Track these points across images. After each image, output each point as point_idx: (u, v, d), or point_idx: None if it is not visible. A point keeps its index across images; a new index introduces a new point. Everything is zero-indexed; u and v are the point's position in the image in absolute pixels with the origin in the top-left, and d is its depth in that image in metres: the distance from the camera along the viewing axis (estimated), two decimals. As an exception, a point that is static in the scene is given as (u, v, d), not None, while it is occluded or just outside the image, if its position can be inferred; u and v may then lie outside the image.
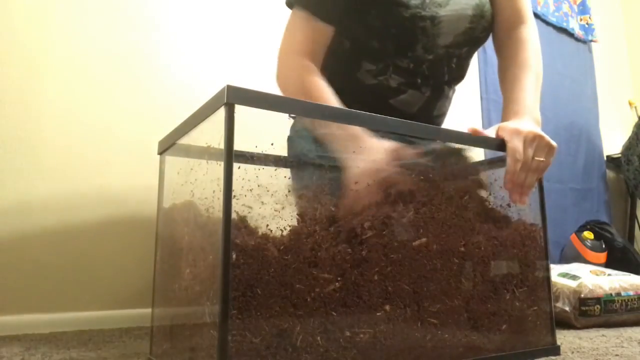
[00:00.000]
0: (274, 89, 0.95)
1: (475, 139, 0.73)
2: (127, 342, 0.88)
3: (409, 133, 0.65)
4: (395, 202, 0.62)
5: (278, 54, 0.88)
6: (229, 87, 0.51)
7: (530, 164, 0.73)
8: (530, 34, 0.96)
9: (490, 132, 0.77)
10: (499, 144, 0.75)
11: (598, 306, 1.06)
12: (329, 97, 0.78)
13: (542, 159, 0.75)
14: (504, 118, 0.86)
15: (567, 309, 1.06)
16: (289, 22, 0.88)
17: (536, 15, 2.26)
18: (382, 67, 0.92)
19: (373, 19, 0.86)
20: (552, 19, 2.34)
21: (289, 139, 0.92)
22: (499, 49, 1.00)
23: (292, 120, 0.97)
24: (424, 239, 0.62)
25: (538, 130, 0.76)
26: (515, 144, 0.73)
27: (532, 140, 0.74)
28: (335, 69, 0.89)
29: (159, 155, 0.78)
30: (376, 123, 0.66)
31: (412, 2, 0.85)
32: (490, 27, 0.95)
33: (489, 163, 0.80)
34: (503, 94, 0.93)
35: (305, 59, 0.84)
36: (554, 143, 0.76)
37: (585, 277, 1.12)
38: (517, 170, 0.72)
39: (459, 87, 1.05)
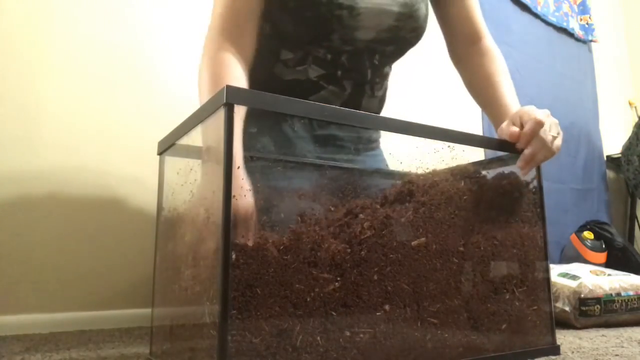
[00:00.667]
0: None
1: (473, 138, 0.73)
2: (127, 342, 0.88)
3: (407, 132, 0.65)
4: None
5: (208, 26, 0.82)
6: (228, 87, 0.51)
7: (547, 136, 0.74)
8: (492, 45, 0.98)
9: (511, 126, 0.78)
10: (498, 143, 0.75)
11: (598, 306, 1.06)
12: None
13: (556, 135, 0.76)
14: (498, 120, 0.86)
15: (567, 309, 1.06)
16: None
17: (536, 16, 2.27)
18: (301, 56, 0.89)
19: (290, 0, 0.82)
20: (552, 19, 2.34)
21: None
22: (461, 64, 1.01)
23: None
24: (422, 239, 0.62)
25: (543, 110, 0.78)
26: (536, 114, 0.75)
27: (548, 116, 0.76)
28: (255, 61, 0.83)
29: (158, 156, 0.78)
30: (376, 123, 0.66)
31: None
32: (422, 29, 0.93)
33: (489, 163, 0.80)
34: (485, 101, 0.94)
35: (226, 44, 0.77)
36: (553, 118, 0.78)
37: (585, 277, 1.12)
38: (539, 148, 0.74)
39: (460, 88, 1.04)
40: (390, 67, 1.01)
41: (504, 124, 0.79)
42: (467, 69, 1.00)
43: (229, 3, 0.81)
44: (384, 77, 0.99)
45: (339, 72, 0.90)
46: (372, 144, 1.00)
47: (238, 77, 0.75)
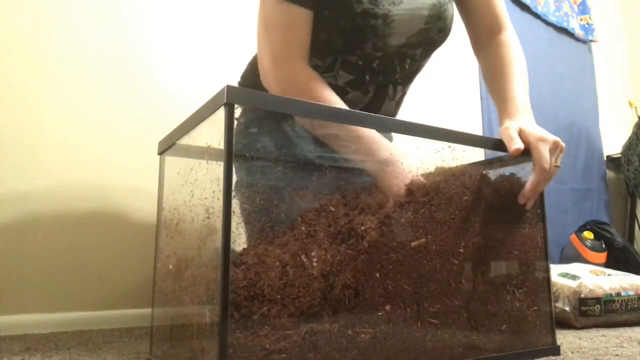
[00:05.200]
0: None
1: (473, 138, 0.73)
2: (127, 342, 0.88)
3: (408, 133, 0.65)
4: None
5: (268, 55, 0.81)
6: (228, 87, 0.51)
7: (551, 172, 0.74)
8: (512, 38, 0.97)
9: (514, 135, 0.76)
10: (498, 143, 0.75)
11: (598, 306, 1.06)
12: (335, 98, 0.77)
13: (559, 166, 0.76)
14: (503, 114, 0.86)
15: (567, 309, 1.06)
16: (269, 17, 0.81)
17: (536, 15, 2.27)
18: (329, 63, 0.89)
19: (323, 8, 0.82)
20: (553, 19, 2.34)
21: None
22: (481, 53, 1.00)
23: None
24: (422, 240, 0.62)
25: (555, 137, 0.77)
26: (544, 154, 0.73)
27: (556, 149, 0.75)
28: None
29: (158, 156, 0.78)
30: (376, 123, 0.66)
31: None
32: (448, 29, 0.94)
33: (489, 163, 0.80)
34: (495, 91, 0.93)
35: (304, 64, 0.80)
36: (563, 144, 0.77)
37: (585, 277, 1.12)
38: (542, 179, 0.73)
39: (460, 88, 1.04)
40: (418, 71, 1.00)
41: (508, 129, 0.77)
42: (485, 60, 0.99)
43: (296, 29, 0.80)
44: (410, 81, 1.00)
45: (367, 77, 0.91)
46: None
47: (332, 94, 0.78)
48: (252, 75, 0.91)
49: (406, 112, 1.04)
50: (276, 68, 0.80)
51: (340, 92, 0.90)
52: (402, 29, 0.86)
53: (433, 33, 0.90)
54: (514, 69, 0.91)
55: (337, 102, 0.77)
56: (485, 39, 0.98)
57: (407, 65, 0.93)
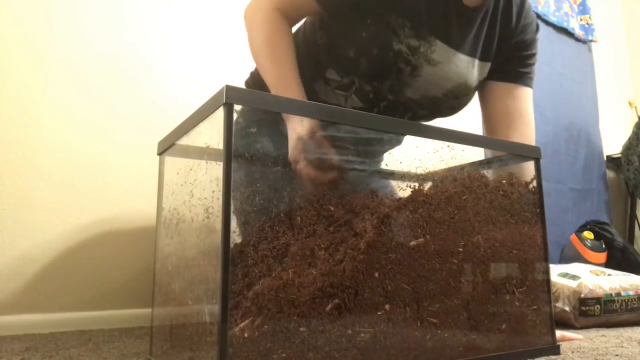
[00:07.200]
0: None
1: (473, 138, 0.73)
2: (127, 342, 0.88)
3: (407, 132, 0.65)
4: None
5: None
6: (227, 87, 0.51)
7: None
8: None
9: None
10: (499, 143, 0.75)
11: (598, 306, 1.06)
12: (291, 63, 0.80)
13: None
14: None
15: (567, 309, 1.06)
16: None
17: (536, 15, 2.27)
18: (346, 83, 0.89)
19: (363, 29, 0.82)
20: (553, 19, 2.34)
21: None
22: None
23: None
24: (421, 239, 0.62)
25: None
26: None
27: None
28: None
29: (158, 156, 0.78)
30: (376, 123, 0.66)
31: (408, 41, 0.82)
32: (458, 110, 0.96)
33: (489, 163, 0.80)
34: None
35: (279, 14, 0.83)
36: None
37: (585, 277, 1.12)
38: None
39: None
40: None
41: None
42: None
43: None
44: None
45: (375, 111, 0.91)
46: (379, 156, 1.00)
47: (293, 48, 0.82)
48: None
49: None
50: (252, 2, 0.86)
51: None
52: (423, 86, 0.87)
53: (444, 105, 0.92)
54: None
55: (289, 58, 0.81)
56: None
57: (407, 118, 0.94)
